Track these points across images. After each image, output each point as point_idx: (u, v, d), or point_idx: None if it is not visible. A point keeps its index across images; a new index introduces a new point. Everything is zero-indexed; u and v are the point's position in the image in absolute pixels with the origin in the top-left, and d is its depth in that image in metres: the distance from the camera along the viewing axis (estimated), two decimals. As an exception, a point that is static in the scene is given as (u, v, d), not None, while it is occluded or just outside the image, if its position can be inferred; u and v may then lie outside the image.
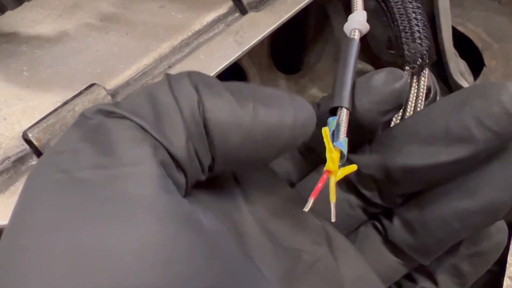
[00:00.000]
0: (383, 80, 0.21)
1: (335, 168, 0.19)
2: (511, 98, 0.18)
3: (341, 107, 0.21)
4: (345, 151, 0.20)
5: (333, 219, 0.19)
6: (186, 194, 0.18)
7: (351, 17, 0.22)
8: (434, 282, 0.24)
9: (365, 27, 0.22)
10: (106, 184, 0.15)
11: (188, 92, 0.17)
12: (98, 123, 0.17)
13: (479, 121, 0.19)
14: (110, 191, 0.15)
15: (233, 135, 0.17)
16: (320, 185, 0.19)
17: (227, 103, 0.17)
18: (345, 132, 0.20)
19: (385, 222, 0.23)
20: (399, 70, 0.21)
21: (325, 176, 0.19)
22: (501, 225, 0.23)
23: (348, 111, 0.21)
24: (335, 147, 0.20)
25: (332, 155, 0.20)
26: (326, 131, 0.20)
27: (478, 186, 0.20)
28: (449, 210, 0.21)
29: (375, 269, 0.22)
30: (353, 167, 0.20)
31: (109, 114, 0.17)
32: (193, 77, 0.18)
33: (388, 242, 0.23)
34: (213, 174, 0.19)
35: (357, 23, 0.22)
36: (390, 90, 0.21)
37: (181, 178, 0.17)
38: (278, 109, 0.18)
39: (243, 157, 0.18)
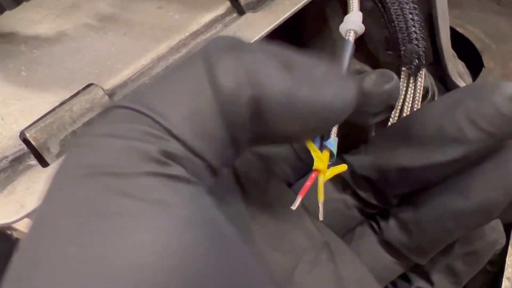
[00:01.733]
0: (373, 82, 0.21)
1: (324, 167, 0.20)
2: (504, 99, 0.18)
3: None
4: (334, 150, 0.20)
5: (320, 218, 0.19)
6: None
7: (346, 18, 0.22)
8: (429, 281, 0.24)
9: (361, 28, 0.22)
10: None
11: (235, 75, 0.15)
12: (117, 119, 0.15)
13: (472, 121, 0.19)
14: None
15: (288, 121, 0.16)
16: (308, 183, 0.19)
17: (283, 85, 0.16)
18: (336, 132, 0.20)
19: (381, 222, 0.23)
20: (389, 72, 0.21)
21: (313, 175, 0.19)
22: (495, 224, 0.24)
23: None
24: (325, 147, 0.20)
25: (319, 155, 0.20)
26: (309, 143, 0.20)
27: (471, 186, 0.20)
28: (444, 210, 0.21)
29: (371, 268, 0.22)
30: (342, 167, 0.20)
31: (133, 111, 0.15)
32: (240, 55, 0.16)
33: (384, 242, 0.23)
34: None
35: (352, 24, 0.22)
36: (381, 92, 0.21)
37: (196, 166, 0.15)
38: (330, 88, 0.17)
39: (285, 137, 0.17)
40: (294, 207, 0.19)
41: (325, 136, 0.20)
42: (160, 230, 0.13)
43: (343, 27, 0.22)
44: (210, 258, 0.14)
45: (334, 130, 0.20)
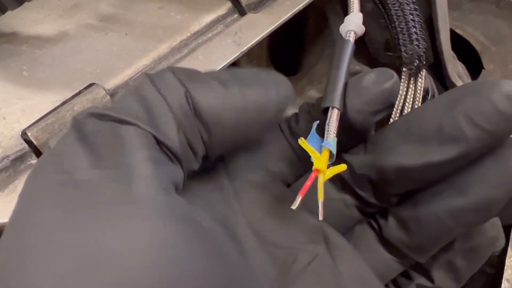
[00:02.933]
0: (373, 80, 0.21)
1: (323, 167, 0.20)
2: (502, 96, 0.18)
3: (332, 107, 0.21)
4: (334, 150, 0.20)
5: (320, 218, 0.19)
6: (183, 187, 0.18)
7: (347, 18, 0.22)
8: (430, 278, 0.24)
9: (361, 29, 0.22)
10: (107, 185, 0.15)
11: (174, 85, 0.18)
12: (93, 127, 0.17)
13: (470, 119, 0.19)
14: (111, 192, 0.15)
15: (227, 117, 0.19)
16: (308, 183, 0.19)
17: (215, 89, 0.19)
18: (335, 132, 0.20)
19: (381, 221, 0.23)
20: (389, 70, 0.22)
21: (313, 175, 0.20)
22: (495, 221, 0.24)
23: (338, 111, 0.21)
24: (323, 147, 0.20)
25: (318, 155, 0.20)
26: (302, 140, 0.20)
27: (470, 183, 0.20)
28: (443, 209, 0.21)
29: (371, 267, 0.22)
30: (342, 167, 0.20)
31: (101, 117, 0.17)
32: (176, 71, 0.19)
33: (384, 241, 0.23)
34: (209, 164, 0.20)
35: (352, 24, 0.22)
36: (381, 90, 0.21)
37: (178, 170, 0.18)
38: (262, 87, 0.19)
39: (238, 137, 0.20)
40: (294, 206, 0.19)
41: (324, 136, 0.20)
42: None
43: (343, 28, 0.22)
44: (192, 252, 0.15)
45: (333, 129, 0.21)
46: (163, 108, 0.18)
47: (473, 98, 0.19)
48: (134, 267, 0.13)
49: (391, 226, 0.23)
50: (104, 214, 0.14)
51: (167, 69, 0.19)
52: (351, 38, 0.22)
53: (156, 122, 0.17)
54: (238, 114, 0.19)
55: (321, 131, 0.21)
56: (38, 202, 0.15)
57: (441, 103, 0.20)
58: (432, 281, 0.24)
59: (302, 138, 0.20)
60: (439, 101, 0.21)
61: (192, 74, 0.19)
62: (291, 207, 0.19)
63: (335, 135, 0.21)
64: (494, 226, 0.23)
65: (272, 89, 0.20)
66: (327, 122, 0.21)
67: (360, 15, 0.23)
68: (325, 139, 0.20)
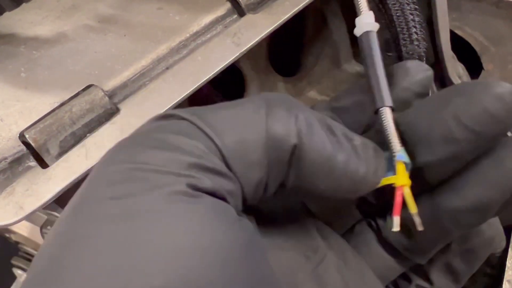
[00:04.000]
0: (417, 65, 0.23)
1: (407, 181, 0.19)
2: (493, 98, 0.18)
3: (385, 107, 0.21)
4: (408, 160, 0.20)
5: (420, 228, 0.20)
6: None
7: (359, 20, 0.22)
8: (429, 280, 0.24)
9: (376, 27, 0.22)
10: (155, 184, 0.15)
11: (286, 123, 0.17)
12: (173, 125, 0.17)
13: (459, 121, 0.18)
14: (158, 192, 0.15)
15: (322, 178, 0.18)
16: (398, 201, 0.19)
17: (326, 144, 0.18)
18: (398, 136, 0.20)
19: (380, 221, 0.23)
20: (422, 63, 0.23)
21: (399, 193, 0.20)
22: (493, 221, 0.23)
23: (391, 110, 0.21)
24: (397, 161, 0.20)
25: (395, 177, 0.20)
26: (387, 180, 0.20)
27: (468, 185, 0.20)
28: (441, 210, 0.21)
29: (371, 268, 0.22)
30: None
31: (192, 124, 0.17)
32: (294, 110, 0.18)
33: (383, 241, 0.23)
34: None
35: (367, 25, 0.21)
36: (424, 74, 0.22)
37: (232, 186, 0.17)
38: (365, 162, 0.19)
39: (319, 195, 0.19)
40: (396, 228, 0.19)
41: (389, 150, 0.20)
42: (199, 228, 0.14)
43: (358, 30, 0.22)
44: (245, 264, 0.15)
45: (396, 134, 0.20)
46: (258, 139, 0.17)
47: (463, 99, 0.19)
48: (191, 266, 0.14)
49: (389, 230, 0.22)
50: (160, 213, 0.15)
51: (283, 103, 0.18)
52: (373, 35, 0.22)
53: (243, 151, 0.17)
54: (334, 179, 0.18)
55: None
56: (94, 196, 0.15)
57: (431, 104, 0.20)
58: (431, 283, 0.24)
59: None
60: (430, 101, 0.21)
61: (309, 119, 0.18)
62: (393, 229, 0.19)
63: (401, 145, 0.20)
64: (491, 227, 0.23)
65: (371, 169, 0.19)
66: (385, 125, 0.20)
67: (371, 13, 0.22)
68: (393, 150, 0.20)
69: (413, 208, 0.19)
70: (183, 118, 0.17)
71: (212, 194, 0.16)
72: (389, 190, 0.20)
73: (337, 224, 0.23)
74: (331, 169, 0.18)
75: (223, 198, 0.16)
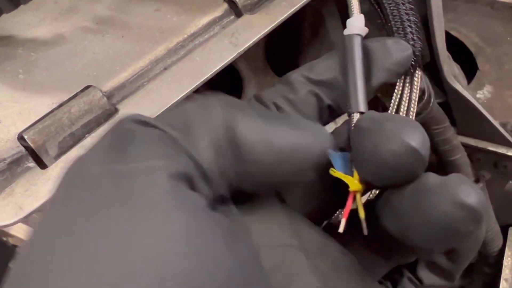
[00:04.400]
0: (398, 45, 0.23)
1: (359, 187, 0.20)
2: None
3: (358, 112, 0.21)
4: None
5: (365, 232, 0.20)
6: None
7: (349, 22, 0.22)
8: (418, 279, 0.24)
9: (365, 31, 0.22)
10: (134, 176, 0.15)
11: (218, 111, 0.18)
12: (132, 128, 0.17)
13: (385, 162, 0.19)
14: (130, 186, 0.15)
15: (264, 154, 0.18)
16: (348, 205, 0.20)
17: (259, 124, 0.18)
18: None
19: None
20: (403, 41, 0.24)
21: (350, 198, 0.20)
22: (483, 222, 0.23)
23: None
24: (353, 167, 0.20)
25: (349, 178, 0.20)
26: (333, 171, 0.20)
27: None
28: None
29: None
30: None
31: (144, 124, 0.17)
32: (223, 101, 0.19)
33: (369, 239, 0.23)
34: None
35: (356, 28, 0.22)
36: (404, 54, 0.23)
37: (205, 189, 0.17)
38: (304, 131, 0.19)
39: (267, 177, 0.19)
40: (341, 229, 0.20)
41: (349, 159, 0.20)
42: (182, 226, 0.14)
43: (347, 32, 0.22)
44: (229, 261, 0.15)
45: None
46: (204, 127, 0.18)
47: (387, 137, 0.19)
48: (172, 263, 0.14)
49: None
50: (131, 210, 0.15)
51: (214, 98, 0.19)
52: (358, 41, 0.22)
53: (192, 139, 0.17)
54: (275, 153, 0.18)
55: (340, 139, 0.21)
56: (68, 196, 0.15)
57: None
58: (420, 281, 0.24)
59: (332, 168, 0.20)
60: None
61: (239, 105, 0.19)
62: (339, 230, 0.20)
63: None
64: (479, 227, 0.23)
65: (316, 137, 0.19)
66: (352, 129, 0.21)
67: (362, 17, 0.23)
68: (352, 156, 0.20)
69: (361, 213, 0.20)
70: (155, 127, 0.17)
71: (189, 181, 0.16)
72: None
73: (317, 215, 0.23)
74: (268, 147, 0.18)
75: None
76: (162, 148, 0.16)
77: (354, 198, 0.20)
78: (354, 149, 0.20)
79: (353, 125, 0.21)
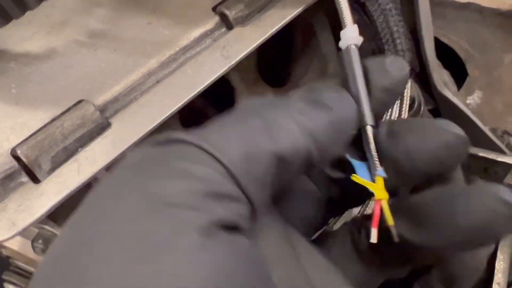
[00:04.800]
0: (395, 64, 0.22)
1: (385, 195, 0.20)
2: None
3: (366, 125, 0.21)
4: (385, 174, 0.21)
5: (396, 240, 0.20)
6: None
7: (343, 33, 0.22)
8: None
9: (360, 41, 0.22)
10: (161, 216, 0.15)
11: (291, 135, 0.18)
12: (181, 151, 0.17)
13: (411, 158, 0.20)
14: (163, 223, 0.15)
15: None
16: (377, 214, 0.20)
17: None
18: (376, 152, 0.21)
19: (356, 234, 0.23)
20: (401, 59, 0.23)
21: (377, 206, 0.20)
22: (479, 252, 0.23)
23: (372, 128, 0.21)
24: (376, 176, 0.20)
25: (374, 186, 0.20)
26: (356, 177, 0.21)
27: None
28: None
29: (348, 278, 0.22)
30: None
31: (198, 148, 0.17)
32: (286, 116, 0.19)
33: (359, 253, 0.23)
34: None
35: (351, 39, 0.22)
36: (403, 74, 0.22)
37: (245, 209, 0.17)
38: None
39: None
40: (373, 240, 0.20)
41: (371, 167, 0.21)
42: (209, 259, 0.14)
43: (343, 43, 0.22)
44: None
45: (376, 157, 0.21)
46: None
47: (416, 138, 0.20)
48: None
49: (364, 240, 0.22)
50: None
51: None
52: (355, 51, 0.22)
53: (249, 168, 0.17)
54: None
55: (355, 151, 0.22)
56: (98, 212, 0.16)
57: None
58: None
59: (354, 175, 0.21)
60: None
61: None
62: (370, 240, 0.20)
63: (377, 158, 0.21)
64: (475, 258, 0.23)
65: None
66: (365, 143, 0.21)
67: (356, 27, 0.22)
68: (373, 167, 0.21)
69: (390, 220, 0.20)
70: (186, 142, 0.17)
71: (226, 225, 0.16)
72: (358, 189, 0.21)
73: (306, 230, 0.23)
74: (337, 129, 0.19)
75: (235, 227, 0.16)
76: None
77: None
78: (389, 155, 0.21)
79: (370, 136, 0.21)
